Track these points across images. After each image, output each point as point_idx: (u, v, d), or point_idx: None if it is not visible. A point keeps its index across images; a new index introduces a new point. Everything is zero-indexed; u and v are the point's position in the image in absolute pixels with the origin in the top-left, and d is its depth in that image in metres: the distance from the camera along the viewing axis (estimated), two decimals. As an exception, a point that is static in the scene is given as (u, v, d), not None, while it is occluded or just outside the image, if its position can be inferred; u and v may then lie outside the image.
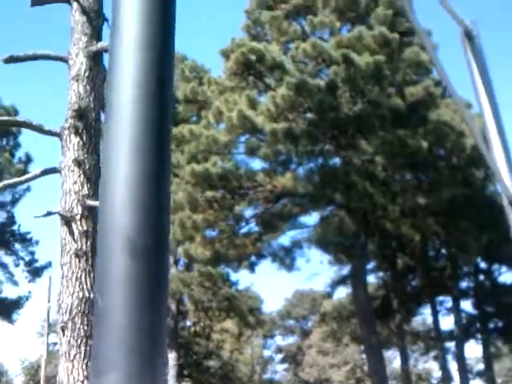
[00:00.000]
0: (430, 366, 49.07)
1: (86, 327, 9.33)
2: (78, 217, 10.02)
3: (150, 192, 0.93)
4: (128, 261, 0.90)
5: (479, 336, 37.05)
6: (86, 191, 10.20)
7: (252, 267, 24.91)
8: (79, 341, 9.36)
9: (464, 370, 34.72)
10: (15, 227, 34.60)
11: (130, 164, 0.93)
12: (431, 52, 1.96)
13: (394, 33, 20.35)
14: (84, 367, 9.52)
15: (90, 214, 10.16)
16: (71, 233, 9.93)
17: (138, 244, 0.90)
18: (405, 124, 20.29)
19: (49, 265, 34.07)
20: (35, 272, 34.18)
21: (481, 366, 41.20)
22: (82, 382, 9.90)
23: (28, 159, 33.93)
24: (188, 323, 35.08)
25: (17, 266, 34.25)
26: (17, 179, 12.57)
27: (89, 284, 9.50)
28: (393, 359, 43.71)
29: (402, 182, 21.17)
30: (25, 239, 34.50)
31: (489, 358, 37.15)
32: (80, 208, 10.08)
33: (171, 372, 26.61)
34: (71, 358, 9.57)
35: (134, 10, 1.03)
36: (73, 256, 9.89)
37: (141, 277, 0.90)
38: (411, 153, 19.87)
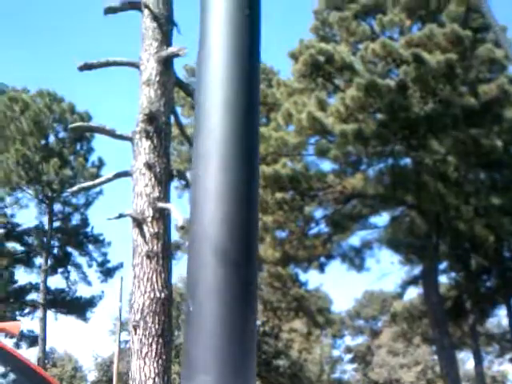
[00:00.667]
0: (505, 368, 47.94)
1: (157, 326, 9.49)
2: (149, 219, 10.15)
3: (239, 203, 0.93)
4: (218, 269, 0.91)
5: (557, 339, 36.06)
6: (156, 194, 10.34)
7: (322, 267, 24.81)
8: (151, 339, 9.52)
9: (541, 374, 33.75)
10: (88, 229, 35.44)
11: (219, 177, 0.94)
12: (507, 48, 1.91)
13: (466, 30, 19.92)
14: (155, 365, 9.68)
15: (161, 215, 10.29)
16: (142, 234, 10.08)
17: (229, 252, 0.91)
18: (478, 123, 19.84)
19: (120, 266, 34.80)
20: (107, 272, 34.94)
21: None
22: (154, 378, 10.07)
23: (101, 163, 34.73)
24: (257, 323, 35.21)
25: (90, 266, 35.13)
26: (90, 182, 12.84)
27: (160, 284, 9.65)
28: (466, 361, 42.84)
29: (476, 181, 20.70)
30: (97, 240, 35.31)
31: None
32: (151, 210, 10.21)
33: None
34: (143, 355, 9.73)
35: (221, 23, 1.02)
36: (144, 257, 10.04)
37: (231, 284, 0.91)
38: (485, 152, 19.42)
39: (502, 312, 35.46)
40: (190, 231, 0.95)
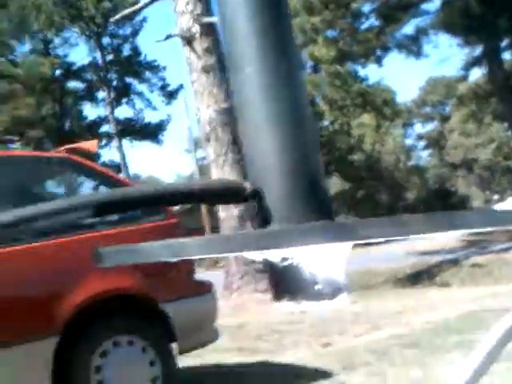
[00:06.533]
0: None
1: (229, 135, 9.88)
2: (198, 35, 10.26)
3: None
4: None
5: None
6: (199, 10, 10.37)
7: (379, 60, 24.55)
8: (224, 149, 9.99)
9: None
10: (141, 57, 35.49)
11: None
12: None
13: None
14: (233, 172, 10.08)
15: (209, 30, 10.35)
16: (194, 51, 10.26)
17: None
18: None
19: (181, 87, 35.04)
20: (170, 95, 35.35)
21: None
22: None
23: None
24: (326, 123, 35.22)
25: (151, 92, 35.59)
26: (131, 8, 12.99)
27: (222, 95, 9.91)
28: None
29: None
30: (153, 66, 35.42)
31: None
32: (197, 26, 10.29)
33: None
34: (220, 165, 10.25)
35: None
36: (200, 72, 10.28)
37: None
38: None
39: None
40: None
